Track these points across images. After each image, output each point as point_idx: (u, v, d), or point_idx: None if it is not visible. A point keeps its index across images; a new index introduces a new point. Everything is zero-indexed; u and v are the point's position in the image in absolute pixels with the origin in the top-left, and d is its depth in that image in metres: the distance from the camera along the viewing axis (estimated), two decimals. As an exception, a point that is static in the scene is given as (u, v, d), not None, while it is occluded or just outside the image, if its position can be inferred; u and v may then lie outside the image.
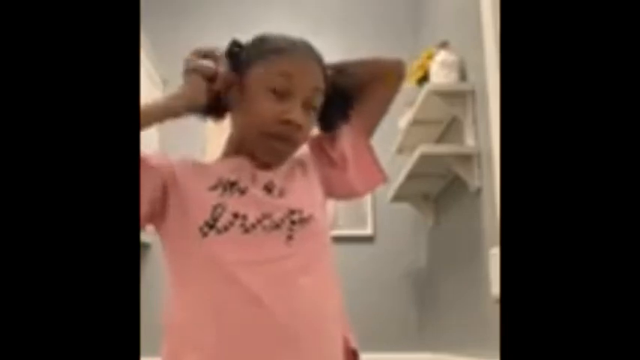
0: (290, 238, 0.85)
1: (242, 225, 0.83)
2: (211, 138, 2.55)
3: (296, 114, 0.88)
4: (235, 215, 0.84)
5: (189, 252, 0.84)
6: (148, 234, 0.89)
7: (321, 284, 0.86)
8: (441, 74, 1.97)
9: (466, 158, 1.90)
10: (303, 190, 0.92)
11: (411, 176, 2.15)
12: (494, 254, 1.68)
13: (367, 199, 2.68)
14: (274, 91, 0.88)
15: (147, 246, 2.58)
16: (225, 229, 0.83)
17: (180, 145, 2.51)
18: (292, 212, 0.87)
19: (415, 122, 2.15)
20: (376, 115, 1.03)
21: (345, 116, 0.99)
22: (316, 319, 0.83)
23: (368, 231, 2.69)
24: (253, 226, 0.84)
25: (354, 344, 0.92)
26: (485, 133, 1.77)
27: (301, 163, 0.97)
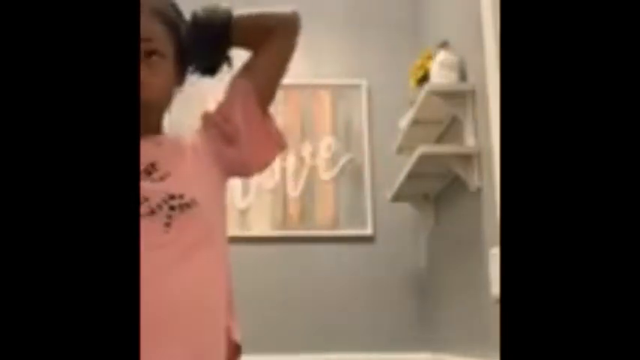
0: (168, 225, 0.81)
1: None
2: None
3: None
4: None
5: None
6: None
7: (201, 273, 0.83)
8: (441, 74, 1.97)
9: (466, 158, 1.90)
10: (190, 173, 0.88)
11: (411, 176, 2.15)
12: (494, 254, 1.68)
13: (367, 199, 2.68)
14: None
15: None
16: None
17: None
18: (172, 197, 0.82)
19: (415, 122, 2.15)
20: (271, 75, 0.96)
21: (220, 56, 0.94)
22: (189, 310, 0.80)
23: (368, 231, 2.68)
24: None
25: (236, 336, 0.89)
26: (486, 133, 1.77)
27: (193, 143, 0.93)
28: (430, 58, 2.09)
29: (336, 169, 2.71)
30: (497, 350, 1.43)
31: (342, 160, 2.72)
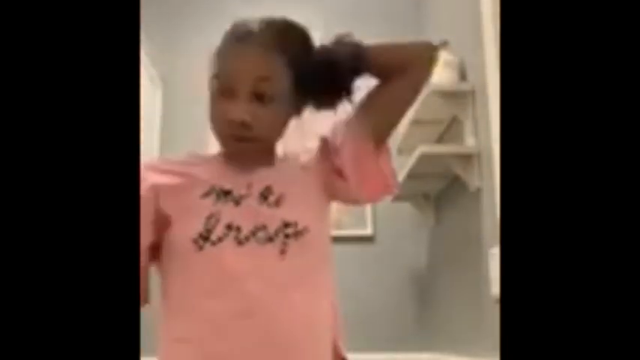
0: (283, 252, 0.83)
1: (236, 237, 0.82)
2: (213, 142, 2.54)
3: (236, 111, 0.84)
4: (229, 227, 0.82)
5: (184, 264, 0.83)
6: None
7: (313, 297, 0.85)
8: (441, 74, 1.97)
9: (466, 158, 1.90)
10: (302, 199, 0.89)
11: (411, 176, 2.15)
12: (494, 254, 1.68)
13: (367, 199, 2.68)
14: (221, 93, 0.86)
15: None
16: (220, 240, 0.82)
17: (181, 150, 2.50)
18: (287, 225, 0.84)
19: (415, 122, 2.15)
20: (397, 109, 0.93)
21: (342, 94, 0.92)
22: (306, 332, 0.83)
23: (368, 231, 2.68)
24: (247, 238, 0.83)
25: (343, 353, 0.92)
26: (485, 133, 1.77)
27: (305, 167, 0.94)
28: (430, 58, 2.08)
29: (336, 169, 2.71)
30: (498, 350, 1.43)
31: (342, 160, 2.71)
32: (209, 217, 0.83)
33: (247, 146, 0.87)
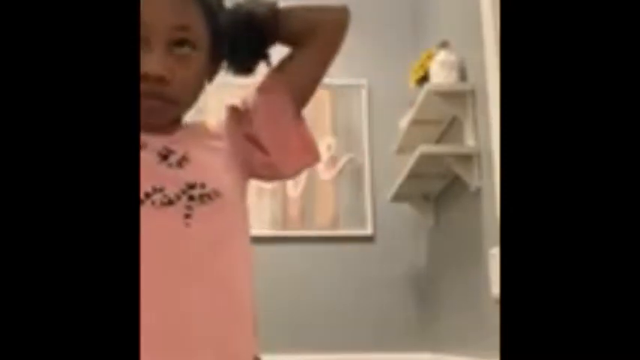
0: (188, 216, 0.71)
1: None
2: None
3: (152, 65, 0.73)
4: None
5: None
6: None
7: (225, 275, 0.74)
8: (441, 74, 1.98)
9: (466, 158, 1.90)
10: (210, 162, 0.78)
11: (411, 176, 2.15)
12: (494, 254, 1.68)
13: (367, 199, 2.69)
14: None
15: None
16: None
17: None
18: (191, 186, 0.73)
19: (415, 122, 2.16)
20: (311, 75, 0.87)
21: (260, 55, 0.84)
22: (213, 320, 0.71)
23: (368, 231, 2.68)
24: (140, 201, 0.69)
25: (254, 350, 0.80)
26: (486, 133, 1.77)
27: (214, 135, 0.83)
28: (430, 58, 2.08)
29: (336, 169, 2.71)
30: (497, 350, 1.43)
31: (342, 160, 2.72)
32: None
33: (159, 106, 0.75)
